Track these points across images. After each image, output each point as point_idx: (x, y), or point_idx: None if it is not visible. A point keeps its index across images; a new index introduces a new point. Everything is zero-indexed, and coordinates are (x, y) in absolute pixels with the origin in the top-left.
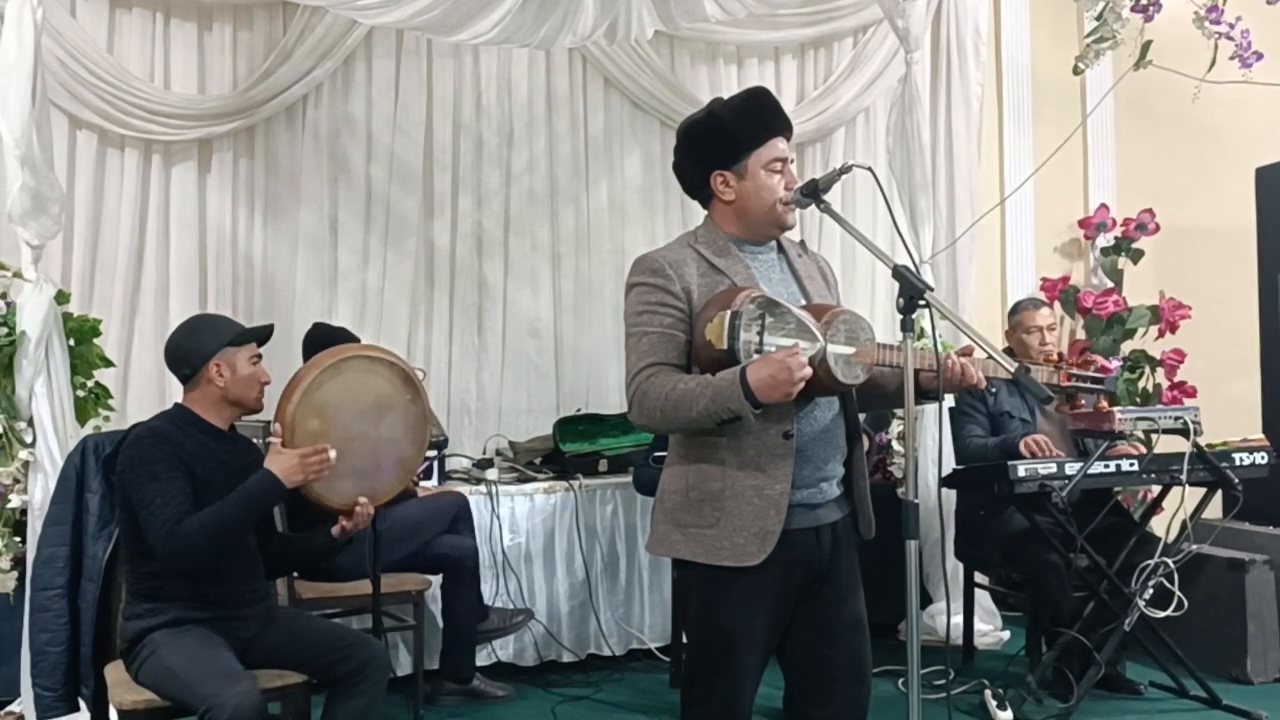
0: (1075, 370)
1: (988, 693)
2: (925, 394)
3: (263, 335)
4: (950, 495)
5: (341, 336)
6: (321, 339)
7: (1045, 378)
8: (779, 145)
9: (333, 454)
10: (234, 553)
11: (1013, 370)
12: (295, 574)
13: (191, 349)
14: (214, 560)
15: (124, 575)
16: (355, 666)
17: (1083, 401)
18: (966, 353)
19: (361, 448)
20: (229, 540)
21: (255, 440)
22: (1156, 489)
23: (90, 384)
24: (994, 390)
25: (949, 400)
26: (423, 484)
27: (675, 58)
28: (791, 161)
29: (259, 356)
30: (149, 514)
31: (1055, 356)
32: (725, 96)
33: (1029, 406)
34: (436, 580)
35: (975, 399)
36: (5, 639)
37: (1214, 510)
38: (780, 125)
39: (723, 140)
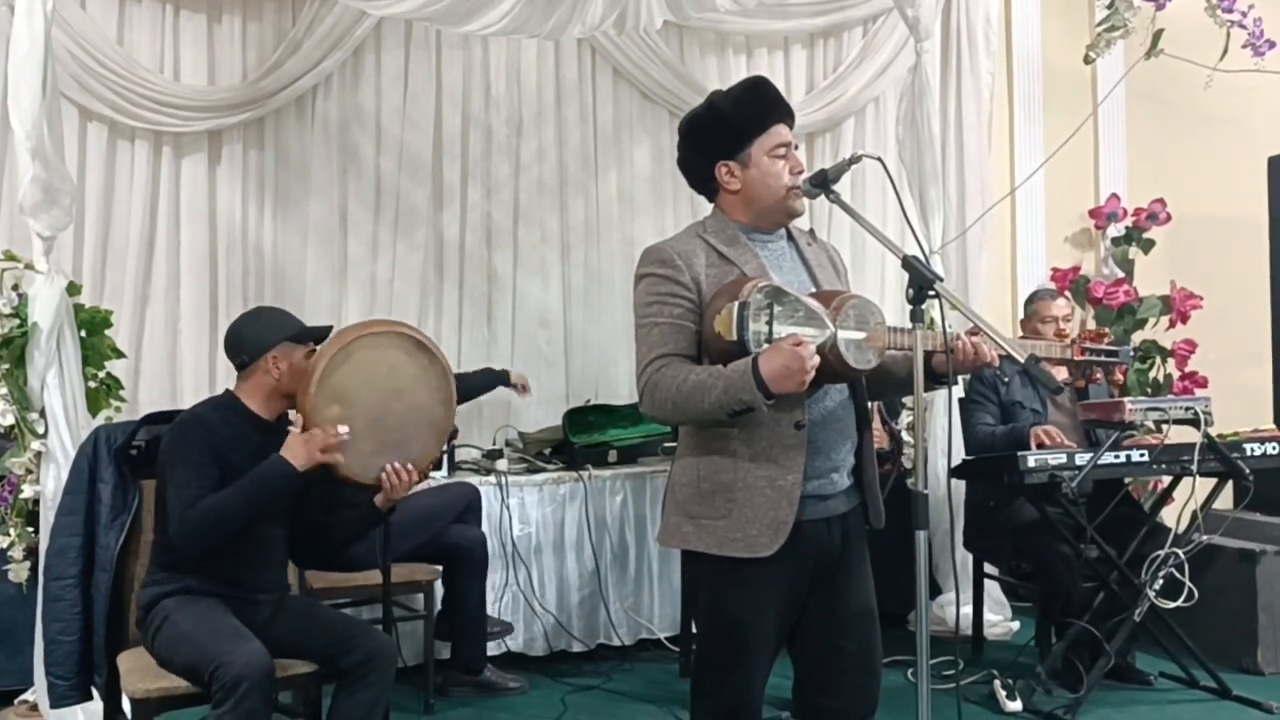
0: (1089, 344)
1: (997, 683)
2: (937, 378)
3: (321, 336)
4: (959, 485)
5: None
6: None
7: (1058, 354)
8: (781, 131)
9: (343, 429)
10: (253, 540)
11: (1023, 359)
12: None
13: (252, 338)
14: (230, 545)
15: (150, 546)
16: (362, 658)
17: (1098, 375)
18: (974, 333)
19: (389, 422)
20: (238, 524)
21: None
22: (1167, 480)
23: (101, 375)
24: (1006, 379)
25: (959, 389)
26: (433, 474)
27: (684, 48)
28: (796, 148)
29: (313, 353)
30: (171, 494)
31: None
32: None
33: (1040, 397)
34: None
35: (987, 387)
36: (19, 628)
37: (1225, 501)
38: (780, 112)
39: (724, 131)
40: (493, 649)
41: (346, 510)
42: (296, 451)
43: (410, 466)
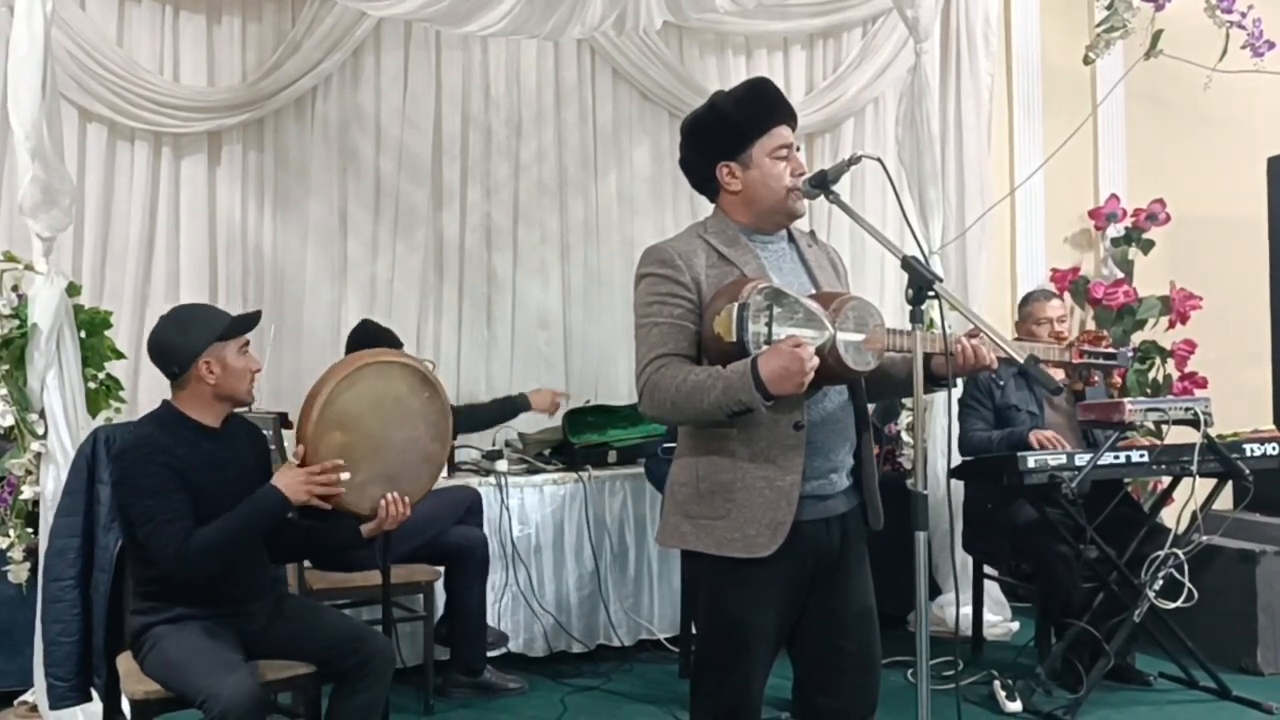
0: (1087, 347)
1: (997, 683)
2: (936, 380)
3: (251, 324)
4: (959, 486)
5: (386, 337)
6: (366, 340)
7: (1057, 357)
8: (783, 133)
9: (345, 475)
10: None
11: (1022, 360)
12: (306, 563)
13: (179, 346)
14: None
15: (130, 568)
16: (360, 661)
17: (1096, 378)
18: (974, 334)
19: (388, 453)
20: (237, 551)
21: (267, 432)
22: (1167, 480)
23: (101, 375)
24: (1001, 383)
25: (956, 391)
26: None
27: (684, 48)
28: (797, 149)
29: (247, 344)
30: (150, 530)
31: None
32: (727, 89)
33: (1037, 399)
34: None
35: (982, 392)
36: (18, 629)
37: (1225, 501)
38: (782, 113)
39: (726, 132)
40: (492, 650)
41: (326, 525)
42: (293, 486)
43: (406, 499)
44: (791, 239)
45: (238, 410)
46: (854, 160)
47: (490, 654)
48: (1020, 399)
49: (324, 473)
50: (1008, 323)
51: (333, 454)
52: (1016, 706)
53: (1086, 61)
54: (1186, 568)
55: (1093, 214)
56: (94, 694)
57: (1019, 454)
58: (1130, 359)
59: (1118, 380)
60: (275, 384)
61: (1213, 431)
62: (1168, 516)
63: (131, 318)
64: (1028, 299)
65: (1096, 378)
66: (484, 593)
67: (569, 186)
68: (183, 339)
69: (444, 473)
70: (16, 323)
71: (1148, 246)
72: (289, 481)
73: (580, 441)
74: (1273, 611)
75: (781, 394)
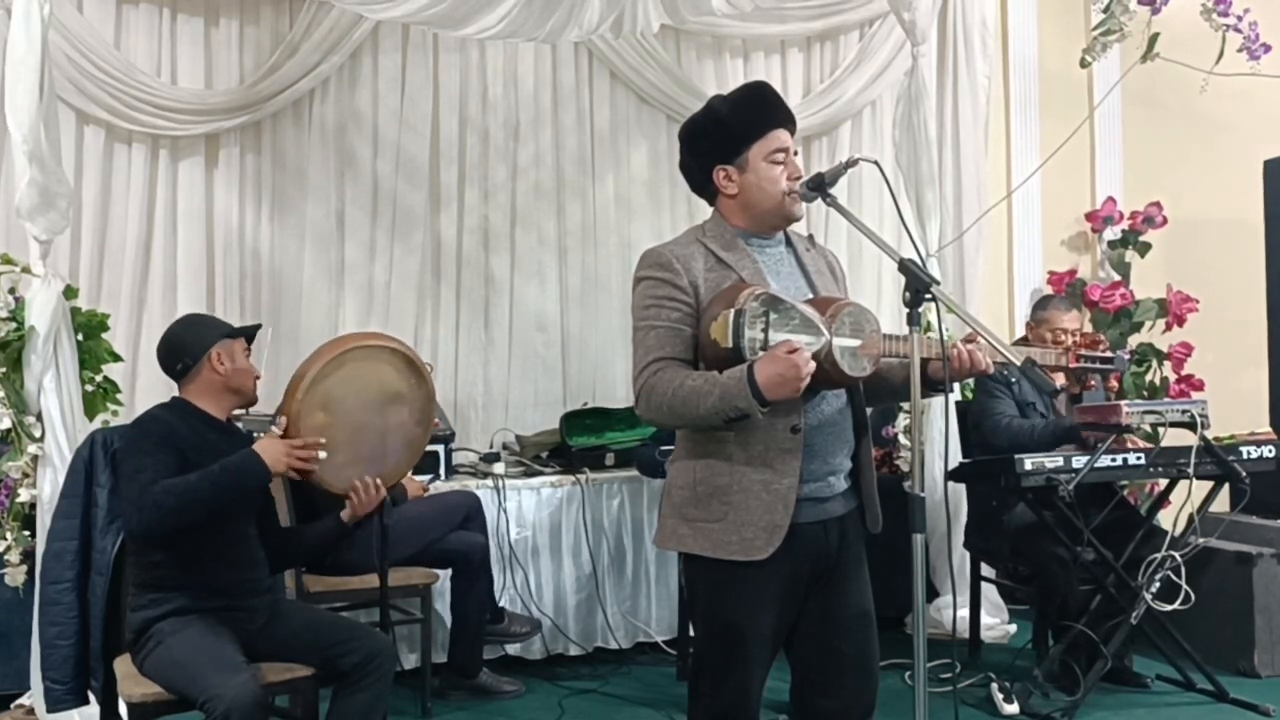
0: (1084, 351)
1: (994, 686)
2: (933, 385)
3: (251, 334)
4: (955, 488)
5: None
6: None
7: (1054, 360)
8: (780, 136)
9: (322, 455)
10: (230, 541)
11: (1019, 362)
12: (304, 568)
13: (192, 340)
14: (205, 549)
15: (129, 567)
16: (361, 659)
17: (1093, 382)
18: (971, 339)
19: (370, 436)
20: (201, 510)
21: (257, 435)
22: (1164, 482)
23: (98, 378)
24: (1014, 380)
25: (956, 393)
26: (420, 478)
27: (681, 51)
28: (795, 153)
29: (249, 351)
30: (127, 483)
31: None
32: (725, 93)
33: (1045, 401)
34: (445, 575)
35: (999, 382)
36: (15, 632)
37: (1221, 504)
38: (780, 116)
39: (722, 135)
40: (489, 651)
41: (310, 524)
42: (274, 454)
43: (379, 482)
44: (789, 243)
45: (236, 413)
46: (851, 163)
47: (490, 655)
48: (1033, 397)
49: (305, 447)
50: (1005, 325)
51: (314, 434)
52: (1014, 709)
53: (1083, 64)
54: (1183, 570)
55: (1090, 217)
56: (91, 697)
57: (1016, 456)
58: (1127, 362)
59: (1114, 384)
60: (273, 386)
61: (1209, 434)
62: (1165, 519)
63: (129, 320)
64: (1046, 303)
65: (1094, 381)
66: (482, 597)
67: (566, 189)
68: (194, 334)
69: (440, 475)
70: (14, 325)
71: (1144, 249)
72: (270, 449)
73: (577, 444)
74: (1270, 614)
75: (777, 399)
